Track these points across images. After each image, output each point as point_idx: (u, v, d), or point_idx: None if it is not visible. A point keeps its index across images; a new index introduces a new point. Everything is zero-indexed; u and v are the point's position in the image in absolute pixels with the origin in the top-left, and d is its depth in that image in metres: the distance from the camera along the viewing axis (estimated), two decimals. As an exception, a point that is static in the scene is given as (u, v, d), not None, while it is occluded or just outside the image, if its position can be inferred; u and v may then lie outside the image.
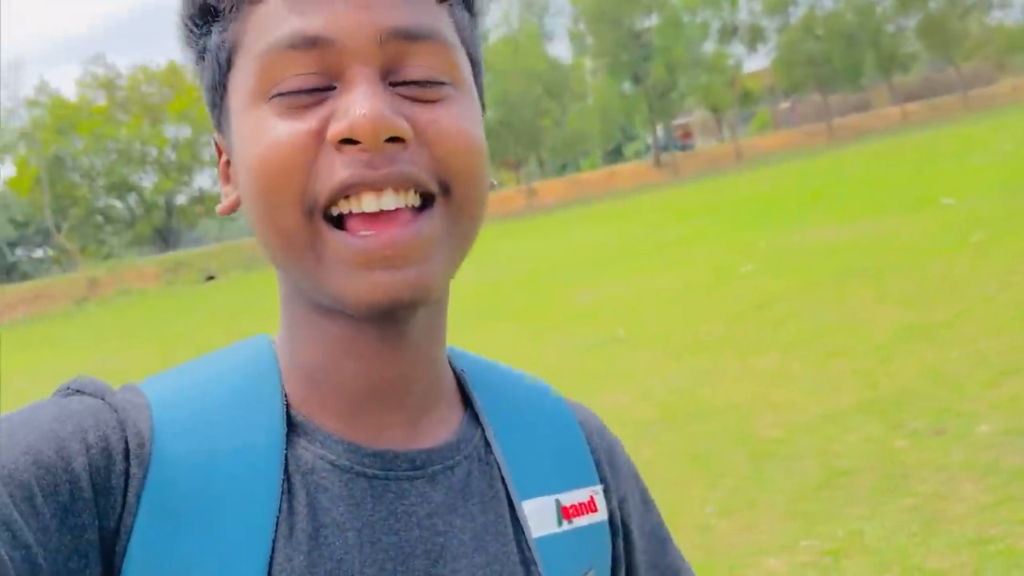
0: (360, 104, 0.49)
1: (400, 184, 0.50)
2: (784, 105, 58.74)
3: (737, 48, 48.93)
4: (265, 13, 0.52)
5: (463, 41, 0.57)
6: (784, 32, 47.85)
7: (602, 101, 45.14)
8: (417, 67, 0.52)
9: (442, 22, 0.54)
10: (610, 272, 12.88)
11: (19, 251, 52.36)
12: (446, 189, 0.53)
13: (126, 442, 0.51)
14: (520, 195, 43.57)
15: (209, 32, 0.56)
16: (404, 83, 0.52)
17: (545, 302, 11.21)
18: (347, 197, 0.50)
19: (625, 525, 0.69)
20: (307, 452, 0.56)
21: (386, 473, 0.57)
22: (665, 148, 49.15)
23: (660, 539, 0.72)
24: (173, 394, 0.56)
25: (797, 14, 48.33)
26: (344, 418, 0.58)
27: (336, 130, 0.49)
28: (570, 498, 0.64)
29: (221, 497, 0.52)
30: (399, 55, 0.52)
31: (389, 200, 0.50)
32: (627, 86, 45.96)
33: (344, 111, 0.50)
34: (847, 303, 7.61)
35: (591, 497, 0.66)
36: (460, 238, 0.55)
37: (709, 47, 45.67)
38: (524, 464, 0.64)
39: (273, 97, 0.51)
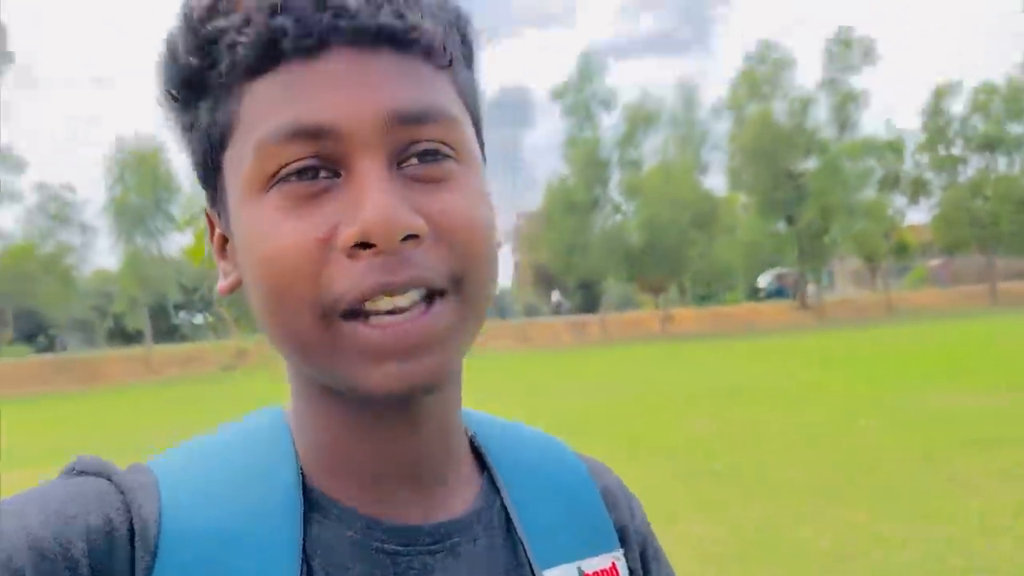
0: (372, 204, 0.47)
1: (416, 285, 0.49)
2: (935, 262, 56.32)
3: (898, 199, 47.54)
4: (262, 95, 0.50)
5: (466, 104, 0.56)
6: (950, 189, 46.42)
7: (751, 236, 44.97)
8: (423, 143, 0.51)
9: (446, 94, 0.53)
10: (730, 405, 12.82)
11: (183, 314, 56.81)
12: (458, 283, 0.51)
13: (131, 524, 0.50)
14: (656, 319, 43.56)
15: (197, 106, 0.53)
16: (409, 161, 0.51)
17: (658, 427, 11.29)
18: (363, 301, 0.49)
19: None
20: (325, 529, 0.55)
21: (407, 549, 0.56)
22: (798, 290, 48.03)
23: None
24: (183, 471, 0.55)
25: (966, 173, 46.91)
26: (360, 494, 0.57)
27: (349, 236, 0.48)
28: (592, 565, 0.63)
29: None
30: (405, 137, 0.50)
31: (403, 300, 0.49)
32: (779, 225, 45.71)
33: (354, 213, 0.48)
34: (955, 471, 7.37)
35: (612, 563, 0.65)
36: (472, 322, 0.54)
37: (868, 194, 44.85)
38: (544, 531, 0.63)
39: (273, 187, 0.50)
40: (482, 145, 0.60)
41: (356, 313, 0.49)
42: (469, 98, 0.57)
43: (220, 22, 0.50)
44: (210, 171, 0.55)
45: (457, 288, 0.52)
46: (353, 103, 0.48)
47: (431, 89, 0.51)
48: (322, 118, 0.48)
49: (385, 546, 0.55)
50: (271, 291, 0.50)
